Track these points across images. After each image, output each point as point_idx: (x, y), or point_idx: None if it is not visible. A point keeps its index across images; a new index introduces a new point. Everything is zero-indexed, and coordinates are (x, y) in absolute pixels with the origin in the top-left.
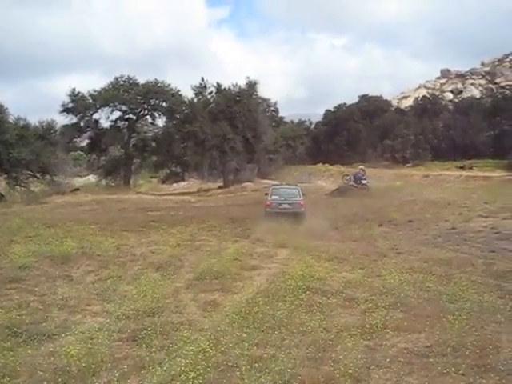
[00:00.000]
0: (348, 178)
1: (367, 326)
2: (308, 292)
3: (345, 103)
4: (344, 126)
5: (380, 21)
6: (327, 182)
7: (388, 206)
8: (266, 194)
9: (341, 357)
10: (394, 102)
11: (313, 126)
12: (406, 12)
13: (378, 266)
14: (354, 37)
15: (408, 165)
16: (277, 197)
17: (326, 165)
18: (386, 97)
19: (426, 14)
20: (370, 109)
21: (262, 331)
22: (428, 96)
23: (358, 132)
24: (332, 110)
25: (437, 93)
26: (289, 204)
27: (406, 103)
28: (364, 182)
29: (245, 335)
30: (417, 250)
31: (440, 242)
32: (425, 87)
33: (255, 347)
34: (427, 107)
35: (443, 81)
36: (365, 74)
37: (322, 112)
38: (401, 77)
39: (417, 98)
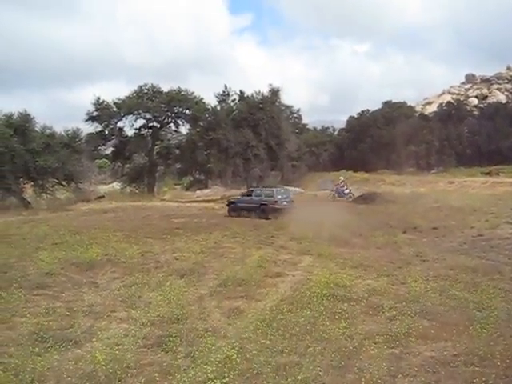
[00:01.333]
0: (333, 194)
1: (392, 333)
2: (332, 299)
3: (368, 110)
4: (367, 132)
5: (403, 26)
6: (351, 188)
7: (412, 213)
8: (229, 203)
9: (366, 365)
10: (418, 108)
11: (336, 133)
12: (429, 17)
13: (402, 273)
14: (376, 43)
15: (432, 171)
16: (280, 196)
17: (350, 171)
18: (410, 103)
19: (449, 18)
20: (394, 115)
21: (287, 338)
22: (452, 101)
23: (381, 138)
24: (355, 116)
25: (461, 98)
26: (287, 202)
27: (430, 109)
28: (346, 191)
29: (269, 342)
30: (442, 258)
31: (466, 249)
32: (449, 93)
33: (280, 355)
34: (452, 113)
35: (468, 86)
36: (388, 80)
37: (345, 119)
38: (424, 82)
39: (441, 104)
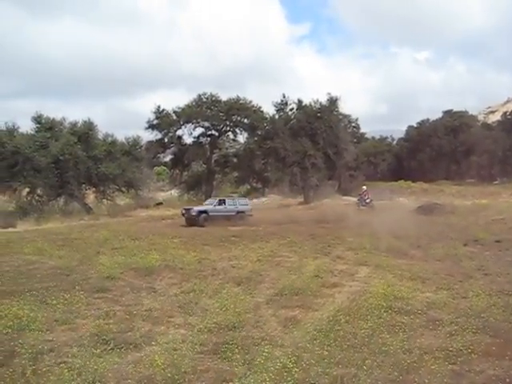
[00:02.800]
0: (358, 202)
1: (453, 349)
2: (390, 311)
3: (428, 119)
4: (427, 142)
5: (465, 33)
6: (409, 199)
7: (474, 225)
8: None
9: (425, 380)
10: (480, 117)
11: (395, 143)
12: (493, 23)
13: (463, 287)
14: (437, 50)
15: (495, 182)
16: (250, 206)
17: (408, 182)
18: (472, 112)
19: None
20: (455, 124)
21: (344, 350)
22: None
23: (441, 148)
24: (415, 125)
25: None
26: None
27: (494, 118)
28: (368, 200)
29: (326, 353)
30: (506, 272)
31: None
32: None
33: (336, 366)
34: None
35: None
36: (449, 89)
37: (404, 128)
38: (487, 91)
39: (505, 113)
